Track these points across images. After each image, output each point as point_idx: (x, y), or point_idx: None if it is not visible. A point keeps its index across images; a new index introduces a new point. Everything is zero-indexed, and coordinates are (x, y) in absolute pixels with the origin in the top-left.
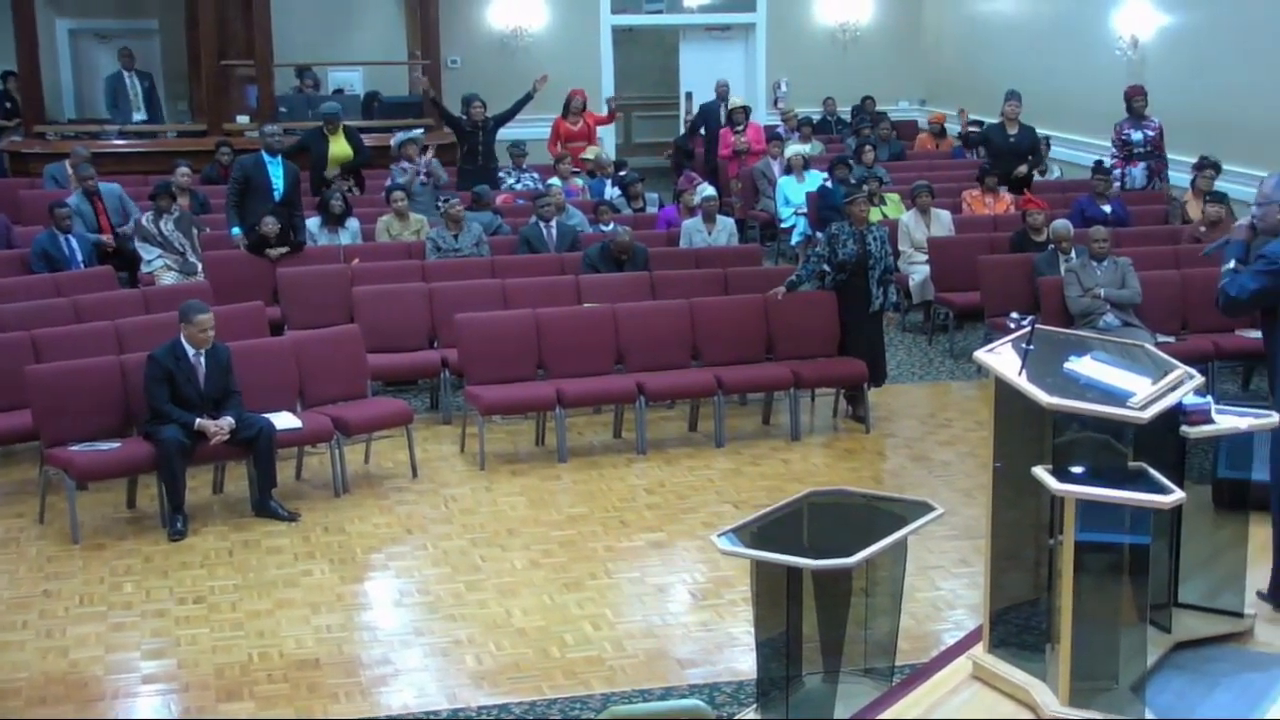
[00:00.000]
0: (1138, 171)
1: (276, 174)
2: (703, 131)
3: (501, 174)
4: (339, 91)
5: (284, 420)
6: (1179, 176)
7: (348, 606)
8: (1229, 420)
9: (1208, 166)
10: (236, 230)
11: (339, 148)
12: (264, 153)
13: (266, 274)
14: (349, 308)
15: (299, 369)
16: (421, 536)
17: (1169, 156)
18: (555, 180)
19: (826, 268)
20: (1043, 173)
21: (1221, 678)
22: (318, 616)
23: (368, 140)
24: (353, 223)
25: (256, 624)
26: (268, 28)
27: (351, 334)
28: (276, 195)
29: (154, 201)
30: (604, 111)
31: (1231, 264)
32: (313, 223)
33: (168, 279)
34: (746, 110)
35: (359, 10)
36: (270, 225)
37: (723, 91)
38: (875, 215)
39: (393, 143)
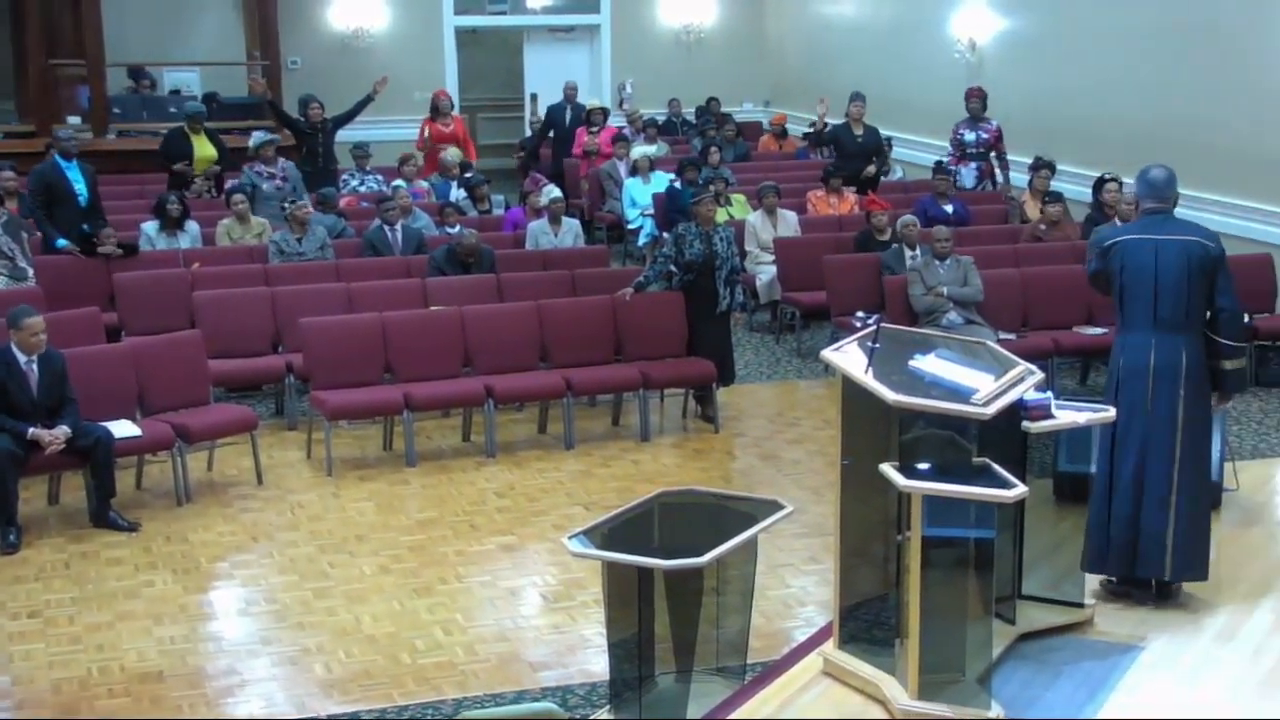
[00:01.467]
0: (967, 172)
1: (76, 178)
2: (551, 134)
3: (345, 176)
4: (175, 92)
5: (122, 428)
6: (1018, 177)
7: (192, 617)
8: (1068, 415)
9: (1043, 167)
10: (62, 242)
11: (204, 149)
12: (59, 157)
13: (102, 279)
14: (189, 312)
15: (138, 376)
16: (267, 544)
17: (1009, 157)
18: (400, 182)
19: (674, 268)
20: (886, 173)
21: (1064, 666)
22: (160, 628)
23: None
24: (192, 226)
25: (96, 637)
26: (98, 26)
27: (192, 339)
28: (81, 200)
29: None
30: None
31: None
32: (150, 226)
33: None
34: (605, 112)
35: (195, 9)
36: (110, 238)
37: (571, 94)
38: (722, 216)
39: (251, 144)
